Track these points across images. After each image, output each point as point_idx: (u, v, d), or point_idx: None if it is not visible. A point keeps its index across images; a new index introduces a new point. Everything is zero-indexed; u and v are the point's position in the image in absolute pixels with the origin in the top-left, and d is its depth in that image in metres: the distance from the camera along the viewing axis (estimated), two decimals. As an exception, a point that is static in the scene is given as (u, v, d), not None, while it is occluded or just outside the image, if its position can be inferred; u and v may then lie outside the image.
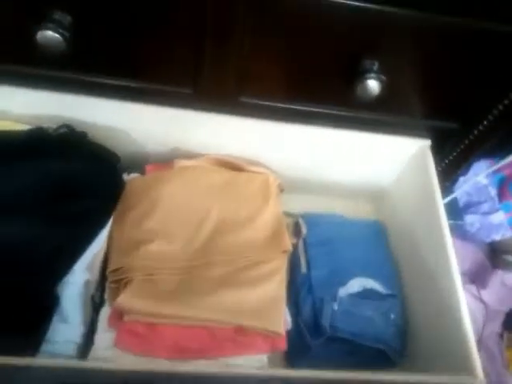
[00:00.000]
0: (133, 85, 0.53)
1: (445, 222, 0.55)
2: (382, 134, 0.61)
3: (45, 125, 0.56)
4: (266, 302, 0.53)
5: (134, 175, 0.62)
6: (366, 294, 0.61)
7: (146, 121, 0.58)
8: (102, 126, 0.59)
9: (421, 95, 0.54)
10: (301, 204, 0.74)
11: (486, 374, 0.94)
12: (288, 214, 0.71)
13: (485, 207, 1.15)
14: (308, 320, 0.59)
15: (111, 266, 0.52)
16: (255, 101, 0.53)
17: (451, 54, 0.48)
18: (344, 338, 0.57)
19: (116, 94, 0.54)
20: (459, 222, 0.98)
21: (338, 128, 0.60)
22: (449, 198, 0.85)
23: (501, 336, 1.02)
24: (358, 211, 0.76)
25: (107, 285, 0.52)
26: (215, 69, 0.49)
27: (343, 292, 0.60)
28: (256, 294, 0.53)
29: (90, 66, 0.50)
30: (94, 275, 0.52)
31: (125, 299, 0.48)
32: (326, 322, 0.57)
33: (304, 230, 0.68)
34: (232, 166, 0.64)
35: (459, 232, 1.15)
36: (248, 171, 0.64)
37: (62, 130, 0.56)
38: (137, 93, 0.54)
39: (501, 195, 1.14)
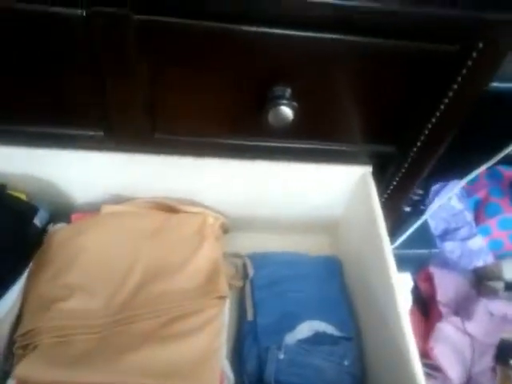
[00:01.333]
0: (48, 130, 0.50)
1: (389, 253, 0.50)
2: (324, 164, 0.58)
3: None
4: (198, 357, 0.47)
5: (58, 226, 0.57)
6: (317, 339, 0.55)
7: (65, 167, 0.55)
8: (22, 176, 0.56)
9: (351, 120, 0.51)
10: (252, 243, 0.69)
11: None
12: (236, 255, 0.67)
13: (463, 233, 1.10)
14: (253, 374, 0.53)
15: (19, 330, 0.47)
16: (173, 137, 0.50)
17: (375, 76, 0.45)
18: (291, 392, 0.50)
19: (31, 142, 0.51)
20: (433, 251, 0.93)
21: (273, 160, 0.57)
22: (415, 226, 0.80)
23: (494, 371, 0.94)
24: (314, 246, 0.71)
25: (14, 352, 0.46)
26: (122, 109, 0.46)
27: (291, 339, 0.54)
28: (186, 350, 0.48)
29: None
30: (1, 343, 0.46)
31: (24, 369, 0.42)
32: (269, 376, 0.51)
33: (251, 272, 0.63)
34: (166, 207, 0.60)
35: (439, 261, 1.10)
36: (183, 212, 0.60)
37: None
38: (53, 139, 0.51)
39: (477, 219, 1.10)
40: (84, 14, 0.37)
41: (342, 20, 0.39)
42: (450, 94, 0.44)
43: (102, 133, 0.49)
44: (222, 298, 0.53)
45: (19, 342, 0.46)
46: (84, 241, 0.54)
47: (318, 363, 0.52)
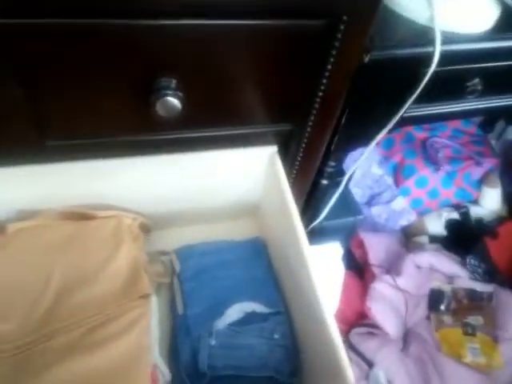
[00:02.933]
0: None
1: (299, 226, 0.52)
2: (231, 149, 0.59)
3: None
4: (124, 360, 0.47)
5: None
6: (247, 319, 0.57)
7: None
8: None
9: (245, 103, 0.52)
10: (178, 238, 0.69)
11: (422, 362, 0.92)
12: (163, 253, 0.67)
13: (386, 196, 1.16)
14: (189, 365, 0.53)
15: None
16: (66, 142, 0.49)
17: (256, 58, 0.46)
18: (227, 374, 0.52)
19: None
20: (359, 217, 0.98)
21: (179, 152, 0.57)
22: (335, 196, 0.84)
23: (429, 319, 1.01)
24: (240, 232, 0.72)
25: None
26: (4, 125, 0.44)
27: (221, 324, 0.55)
28: (113, 354, 0.47)
29: None
30: None
31: None
32: (203, 363, 0.51)
33: (177, 267, 0.63)
34: (79, 216, 0.59)
35: (369, 225, 1.16)
36: (97, 217, 0.59)
37: None
38: None
39: (397, 181, 1.17)
40: None
41: (215, 5, 0.39)
42: (329, 66, 0.46)
43: (-14, 148, 0.46)
44: (146, 296, 0.53)
45: None
46: (-10, 263, 0.51)
47: (250, 342, 0.54)
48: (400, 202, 1.13)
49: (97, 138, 0.49)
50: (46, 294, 0.51)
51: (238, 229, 0.73)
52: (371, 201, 1.18)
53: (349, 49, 0.45)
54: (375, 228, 1.16)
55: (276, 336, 0.54)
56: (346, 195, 0.97)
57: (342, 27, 0.43)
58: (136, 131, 0.50)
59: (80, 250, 0.55)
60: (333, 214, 0.92)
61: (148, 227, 0.65)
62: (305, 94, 0.50)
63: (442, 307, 1.03)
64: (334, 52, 0.45)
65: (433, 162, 1.14)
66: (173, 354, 0.56)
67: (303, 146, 0.56)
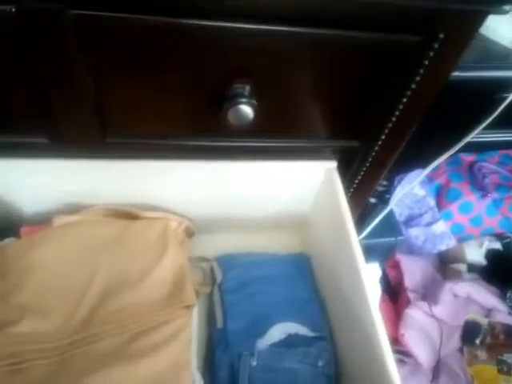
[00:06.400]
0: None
1: (356, 245, 0.49)
2: (288, 161, 0.56)
3: None
4: (168, 372, 0.45)
5: (7, 241, 0.53)
6: (290, 341, 0.54)
7: (9, 177, 0.50)
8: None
9: (313, 116, 0.49)
10: (219, 245, 0.67)
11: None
12: (203, 259, 0.64)
13: (426, 218, 1.12)
14: (226, 383, 0.51)
15: (-35, 360, 0.42)
16: (127, 140, 0.47)
17: (335, 69, 0.43)
18: (267, 399, 0.49)
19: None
20: (400, 238, 0.94)
21: (236, 160, 0.54)
22: (381, 216, 0.80)
23: (461, 352, 0.96)
24: (284, 244, 0.69)
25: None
26: (69, 115, 0.42)
27: (262, 344, 0.52)
28: (155, 366, 0.45)
29: None
30: None
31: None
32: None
33: (219, 276, 0.60)
34: (125, 214, 0.57)
35: (405, 247, 1.12)
36: (144, 218, 0.57)
37: None
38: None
39: (439, 204, 1.12)
40: (13, 10, 0.32)
41: (300, 12, 0.37)
42: (413, 85, 0.43)
43: (46, 140, 0.45)
44: (189, 307, 0.51)
45: (-34, 373, 0.42)
46: (35, 257, 0.50)
47: (292, 366, 0.51)
48: (441, 226, 1.08)
49: (158, 139, 0.47)
50: (89, 293, 0.49)
51: (281, 241, 0.70)
52: (410, 221, 1.14)
53: (438, 69, 0.42)
54: (411, 250, 1.12)
55: (320, 363, 0.52)
56: (389, 215, 0.93)
57: (436, 45, 0.39)
58: (199, 136, 0.48)
59: (125, 250, 0.53)
60: (374, 233, 0.88)
61: (192, 231, 0.63)
62: (380, 113, 0.47)
63: (477, 341, 0.98)
64: (421, 71, 0.42)
65: (479, 187, 1.09)
66: (209, 368, 0.54)
67: (367, 165, 0.53)
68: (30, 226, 0.54)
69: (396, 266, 1.05)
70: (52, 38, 0.35)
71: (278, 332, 0.54)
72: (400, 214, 1.15)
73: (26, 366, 0.43)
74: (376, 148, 0.50)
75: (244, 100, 0.41)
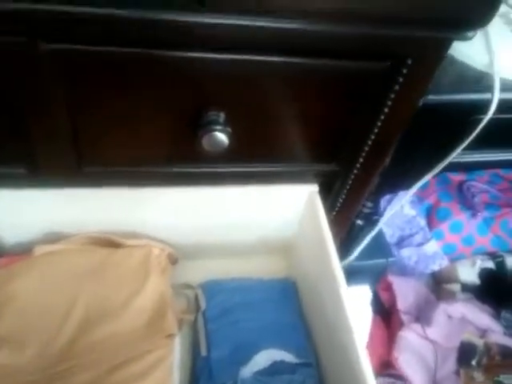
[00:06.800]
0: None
1: (338, 270, 0.49)
2: (269, 185, 0.56)
3: None
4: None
5: (-13, 272, 0.52)
6: (275, 369, 0.53)
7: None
8: None
9: (291, 141, 0.49)
10: (204, 271, 0.66)
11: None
12: (187, 286, 0.64)
13: (418, 238, 1.12)
14: (210, 414, 0.50)
15: None
16: (104, 168, 0.47)
17: (309, 96, 0.44)
18: (251, 430, 0.48)
19: None
20: (391, 259, 0.94)
21: (217, 185, 0.54)
22: (369, 237, 0.80)
23: (457, 374, 0.95)
24: (269, 269, 0.69)
25: None
26: (45, 145, 0.43)
27: (246, 372, 0.51)
28: (134, 398, 0.44)
29: None
30: None
31: None
32: (226, 415, 0.48)
33: (203, 303, 0.60)
34: (107, 242, 0.57)
35: (397, 268, 1.11)
36: (126, 246, 0.57)
37: None
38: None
39: (430, 224, 1.12)
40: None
41: (274, 42, 0.38)
42: (386, 110, 0.44)
43: (23, 170, 0.45)
44: (171, 336, 0.50)
45: None
46: (14, 287, 0.49)
47: (277, 395, 0.50)
48: (432, 246, 1.08)
49: (134, 167, 0.48)
50: (68, 323, 0.48)
51: (267, 266, 0.69)
52: (401, 242, 1.14)
53: (409, 94, 0.43)
54: (403, 271, 1.11)
55: (305, 391, 0.50)
56: (378, 236, 0.93)
57: (404, 71, 0.40)
58: (175, 163, 0.48)
59: (107, 279, 0.52)
60: (363, 255, 0.88)
61: (175, 258, 0.62)
62: (356, 137, 0.47)
63: (473, 362, 0.96)
64: (392, 95, 0.42)
65: (469, 206, 1.09)
66: (192, 398, 0.52)
67: (347, 187, 0.53)
68: (10, 256, 0.53)
69: (388, 288, 1.04)
70: (23, 72, 0.36)
71: (262, 359, 0.53)
72: (392, 235, 1.15)
73: (0, 402, 0.42)
74: (355, 171, 0.51)
75: (218, 127, 0.41)
